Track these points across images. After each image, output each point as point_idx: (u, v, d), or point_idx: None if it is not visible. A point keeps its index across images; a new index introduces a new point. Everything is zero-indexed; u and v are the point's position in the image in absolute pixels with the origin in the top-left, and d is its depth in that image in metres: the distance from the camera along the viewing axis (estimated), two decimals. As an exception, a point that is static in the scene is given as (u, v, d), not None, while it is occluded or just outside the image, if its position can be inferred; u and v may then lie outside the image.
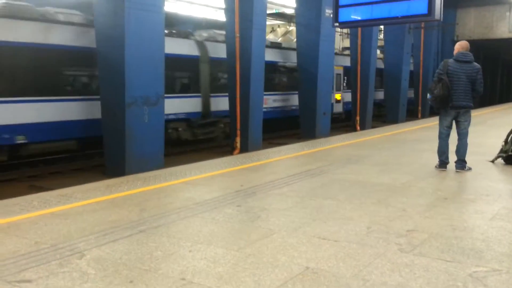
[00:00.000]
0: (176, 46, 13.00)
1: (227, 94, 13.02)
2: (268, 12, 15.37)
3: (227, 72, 12.85)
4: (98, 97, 9.81)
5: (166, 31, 10.55)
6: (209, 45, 14.39)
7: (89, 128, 10.76)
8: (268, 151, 9.42)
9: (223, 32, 13.58)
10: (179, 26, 17.36)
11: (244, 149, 12.12)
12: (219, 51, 13.94)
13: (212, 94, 14.26)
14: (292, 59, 17.12)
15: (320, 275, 3.09)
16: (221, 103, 14.16)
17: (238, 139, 12.36)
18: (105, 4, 8.92)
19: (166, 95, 9.99)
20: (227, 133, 14.26)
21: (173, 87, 12.97)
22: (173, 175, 6.68)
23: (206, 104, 14.09)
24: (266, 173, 6.92)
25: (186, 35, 14.18)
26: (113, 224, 4.30)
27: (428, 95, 6.70)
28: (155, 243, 3.78)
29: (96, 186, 6.06)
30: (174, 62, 12.41)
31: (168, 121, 11.93)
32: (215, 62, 14.18)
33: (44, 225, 4.30)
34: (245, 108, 12.41)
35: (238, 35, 12.08)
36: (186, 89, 13.77)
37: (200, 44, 14.22)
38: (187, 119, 13.57)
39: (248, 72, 12.30)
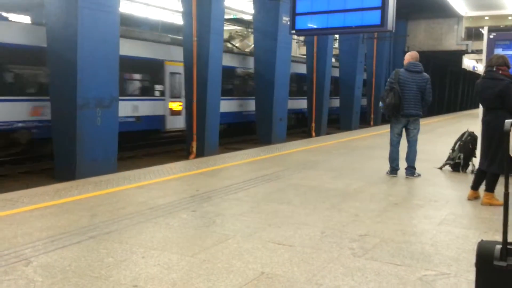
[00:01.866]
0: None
1: (294, 97, 18.77)
2: (226, 17, 15.40)
3: (187, 77, 12.72)
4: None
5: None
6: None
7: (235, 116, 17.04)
8: (224, 156, 9.40)
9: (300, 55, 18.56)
10: (134, 28, 17.27)
11: (200, 153, 12.03)
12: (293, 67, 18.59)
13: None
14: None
15: (275, 280, 3.10)
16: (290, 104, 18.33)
17: (194, 144, 12.26)
18: (57, 3, 8.63)
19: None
20: (292, 125, 19.46)
21: None
22: (127, 180, 6.52)
23: None
24: (222, 178, 6.89)
25: None
26: (62, 230, 4.13)
27: (380, 103, 6.87)
28: (106, 250, 3.66)
29: (45, 190, 5.82)
30: None
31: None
32: (292, 75, 18.39)
33: (-14, 231, 4.08)
34: (201, 113, 12.33)
35: (195, 39, 12.01)
36: None
37: None
38: None
39: (205, 76, 12.24)
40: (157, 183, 6.35)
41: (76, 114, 8.57)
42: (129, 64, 12.41)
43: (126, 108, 12.21)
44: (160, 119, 13.98)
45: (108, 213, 4.72)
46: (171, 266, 3.32)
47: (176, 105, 14.51)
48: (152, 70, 13.36)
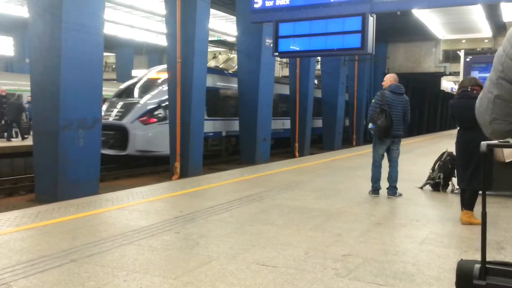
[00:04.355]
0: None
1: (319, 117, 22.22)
2: (209, 39, 15.55)
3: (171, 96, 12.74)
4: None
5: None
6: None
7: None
8: (208, 176, 9.38)
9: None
10: (118, 49, 17.32)
11: (184, 174, 11.98)
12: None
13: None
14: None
15: (259, 302, 3.09)
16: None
17: (177, 164, 12.21)
18: (41, 25, 8.63)
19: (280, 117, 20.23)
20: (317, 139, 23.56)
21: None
22: (109, 201, 6.46)
23: None
24: (206, 198, 6.87)
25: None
26: (42, 253, 4.07)
27: (371, 125, 6.76)
28: (87, 273, 3.61)
29: (25, 213, 5.73)
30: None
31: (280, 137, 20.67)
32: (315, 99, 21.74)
33: (-36, 256, 3.99)
34: (186, 133, 12.33)
35: (179, 60, 12.08)
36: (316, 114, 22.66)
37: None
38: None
39: (189, 97, 12.28)
40: (140, 204, 6.30)
41: (59, 134, 8.50)
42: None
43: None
44: None
45: (89, 236, 4.66)
46: (154, 289, 3.29)
47: None
48: None
